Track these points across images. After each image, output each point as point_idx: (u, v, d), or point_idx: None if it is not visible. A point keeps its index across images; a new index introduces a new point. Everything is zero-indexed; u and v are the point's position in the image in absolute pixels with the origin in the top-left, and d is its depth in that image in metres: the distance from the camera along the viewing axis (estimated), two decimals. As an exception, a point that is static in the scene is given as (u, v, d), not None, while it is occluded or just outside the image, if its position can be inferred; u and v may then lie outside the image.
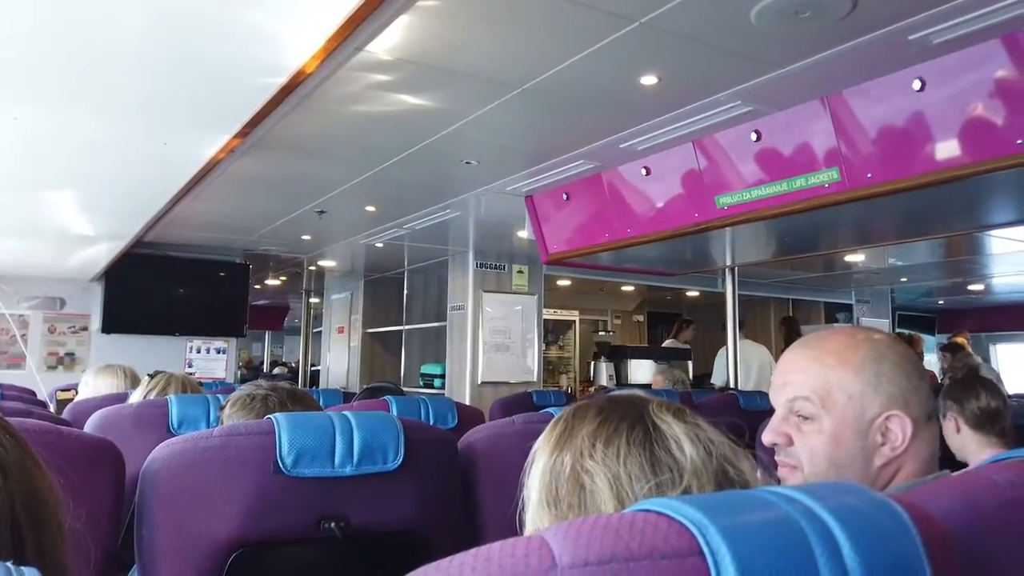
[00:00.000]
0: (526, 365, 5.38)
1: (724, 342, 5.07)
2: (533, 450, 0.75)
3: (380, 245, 5.10)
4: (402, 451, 1.15)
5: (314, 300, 7.64)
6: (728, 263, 4.53)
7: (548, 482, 0.70)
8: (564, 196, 3.70)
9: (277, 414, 1.10)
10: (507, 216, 4.19)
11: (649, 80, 2.33)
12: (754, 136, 2.78)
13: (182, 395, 1.71)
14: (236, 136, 2.32)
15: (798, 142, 2.68)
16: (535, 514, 0.71)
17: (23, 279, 5.41)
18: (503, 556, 0.42)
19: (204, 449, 1.03)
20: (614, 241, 3.60)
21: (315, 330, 7.83)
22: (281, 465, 1.05)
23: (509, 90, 2.38)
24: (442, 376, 5.50)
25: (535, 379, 5.33)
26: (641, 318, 8.74)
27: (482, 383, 5.06)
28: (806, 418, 0.96)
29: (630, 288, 7.67)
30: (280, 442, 1.06)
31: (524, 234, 4.57)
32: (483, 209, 4.11)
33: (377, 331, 6.55)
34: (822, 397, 0.95)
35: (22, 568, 0.29)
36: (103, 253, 4.65)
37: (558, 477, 0.70)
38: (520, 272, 5.47)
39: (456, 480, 1.28)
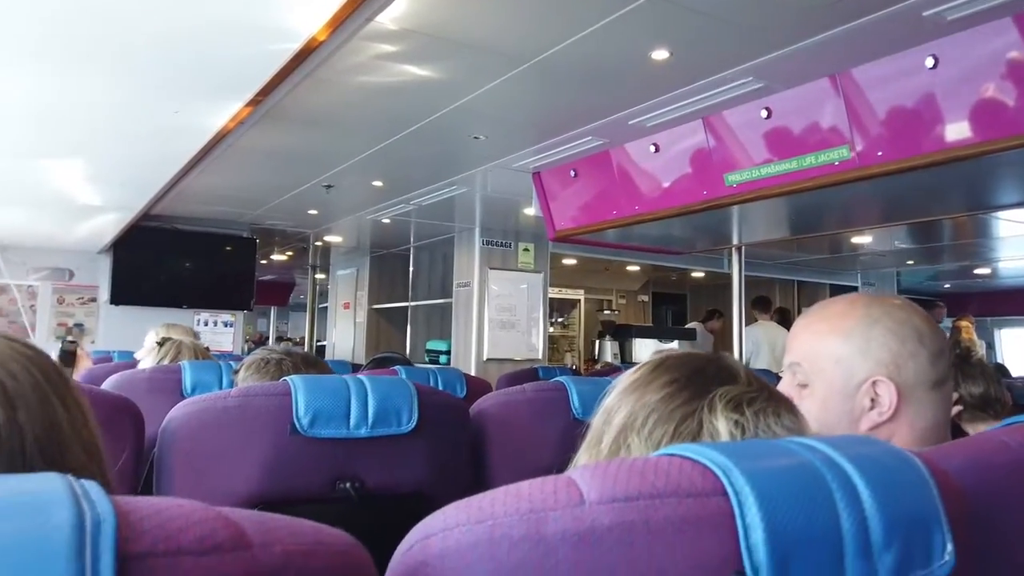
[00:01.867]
0: (531, 343, 5.41)
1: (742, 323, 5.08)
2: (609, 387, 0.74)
3: (387, 221, 5.10)
4: (415, 414, 1.17)
5: (320, 276, 7.66)
6: (735, 242, 4.52)
7: (599, 424, 0.70)
8: (572, 173, 3.70)
9: (293, 376, 1.12)
10: (514, 193, 4.18)
11: (660, 55, 2.31)
12: (764, 113, 2.77)
13: (195, 361, 1.72)
14: (248, 104, 2.32)
15: (809, 120, 2.67)
16: (580, 454, 0.71)
17: (31, 250, 5.43)
18: (532, 492, 0.44)
19: (222, 409, 1.04)
20: (621, 218, 3.60)
21: (321, 306, 7.86)
22: (298, 426, 1.07)
23: (518, 64, 2.37)
24: (448, 352, 5.52)
25: (540, 356, 5.36)
26: (646, 298, 8.76)
27: (487, 360, 5.08)
28: (803, 385, 0.98)
29: (635, 268, 7.67)
30: (297, 403, 1.08)
31: (531, 211, 4.57)
32: (490, 186, 4.10)
33: (383, 307, 6.57)
34: (812, 363, 0.97)
35: (83, 481, 0.30)
36: (111, 224, 4.66)
37: (608, 424, 0.70)
38: (526, 250, 5.47)
39: (467, 445, 1.30)
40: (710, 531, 0.43)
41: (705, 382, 0.68)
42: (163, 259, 5.37)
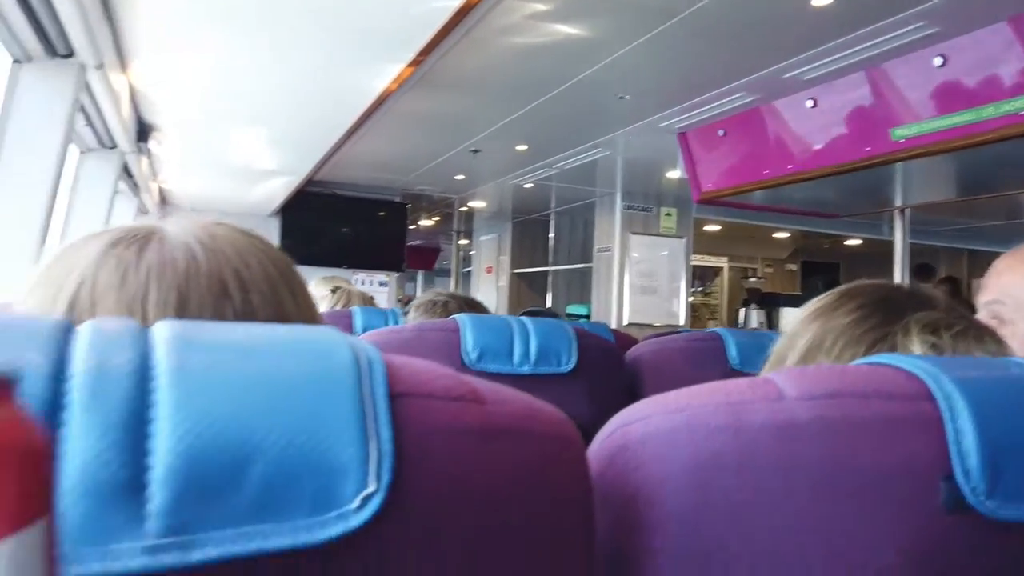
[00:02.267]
0: (672, 309, 5.33)
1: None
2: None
3: (529, 186, 5.16)
4: (574, 355, 1.20)
5: (463, 242, 7.90)
6: (899, 203, 4.22)
7: (780, 348, 0.69)
8: (720, 132, 3.58)
9: (461, 314, 1.18)
10: (657, 155, 4.11)
11: (822, 1, 2.19)
12: (939, 61, 2.55)
13: (364, 307, 1.85)
14: (409, 65, 2.43)
15: (988, 67, 2.44)
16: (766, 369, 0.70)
17: (213, 213, 5.97)
18: (729, 387, 0.45)
19: (402, 340, 1.12)
20: (773, 179, 3.45)
21: (464, 270, 8.12)
22: (466, 360, 1.13)
23: (668, 17, 2.32)
24: (587, 317, 5.56)
25: (681, 323, 5.27)
26: (794, 267, 8.36)
27: (628, 324, 5.06)
28: (1002, 321, 0.95)
29: (783, 235, 7.32)
30: (465, 339, 1.14)
31: (674, 174, 4.48)
32: (633, 148, 4.05)
33: (524, 272, 6.69)
34: (1016, 300, 0.95)
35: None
36: (280, 189, 5.04)
37: (791, 348, 0.68)
38: (668, 215, 5.37)
39: (623, 389, 1.32)
40: (915, 434, 0.42)
41: (898, 308, 0.65)
42: (325, 222, 5.75)
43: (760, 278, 7.89)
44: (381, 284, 5.97)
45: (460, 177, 5.15)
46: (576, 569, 0.39)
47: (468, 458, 0.34)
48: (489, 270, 7.14)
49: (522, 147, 4.18)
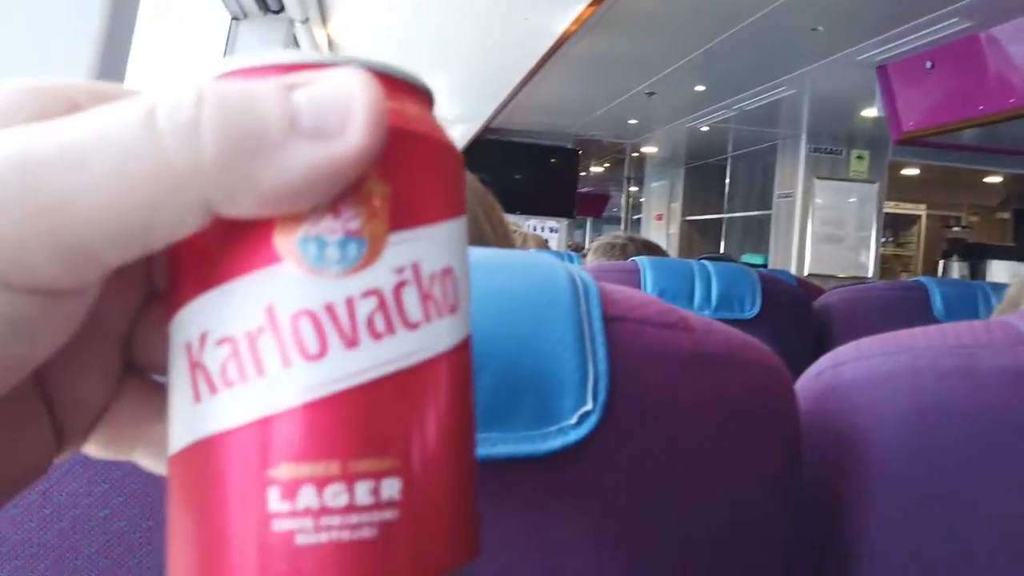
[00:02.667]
0: (859, 260, 4.95)
1: None
2: None
3: (705, 129, 4.96)
4: (758, 301, 1.16)
5: (633, 188, 7.77)
6: None
7: (1013, 293, 0.64)
8: (927, 64, 3.22)
9: (640, 256, 1.17)
10: (851, 92, 3.77)
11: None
12: None
13: (537, 249, 1.90)
14: (591, 4, 2.39)
15: None
16: None
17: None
18: (959, 330, 0.41)
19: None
20: (989, 115, 3.06)
21: (634, 218, 8.01)
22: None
23: (876, -66, 2.09)
24: (764, 267, 5.31)
25: (870, 275, 4.89)
26: (1006, 215, 7.44)
27: (808, 275, 4.78)
28: None
29: (995, 179, 6.52)
30: (645, 281, 1.13)
31: (870, 113, 4.10)
32: (822, 85, 3.75)
33: (696, 219, 6.49)
34: None
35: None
36: (459, 137, 5.22)
37: None
38: (859, 157, 4.95)
39: (810, 338, 1.26)
40: None
41: None
42: (499, 169, 5.88)
43: (964, 227, 7.11)
44: (552, 230, 6.04)
45: (633, 121, 5.04)
46: (779, 503, 0.38)
47: (678, 384, 0.34)
48: (659, 217, 6.98)
49: (700, 88, 4.01)
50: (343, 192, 0.17)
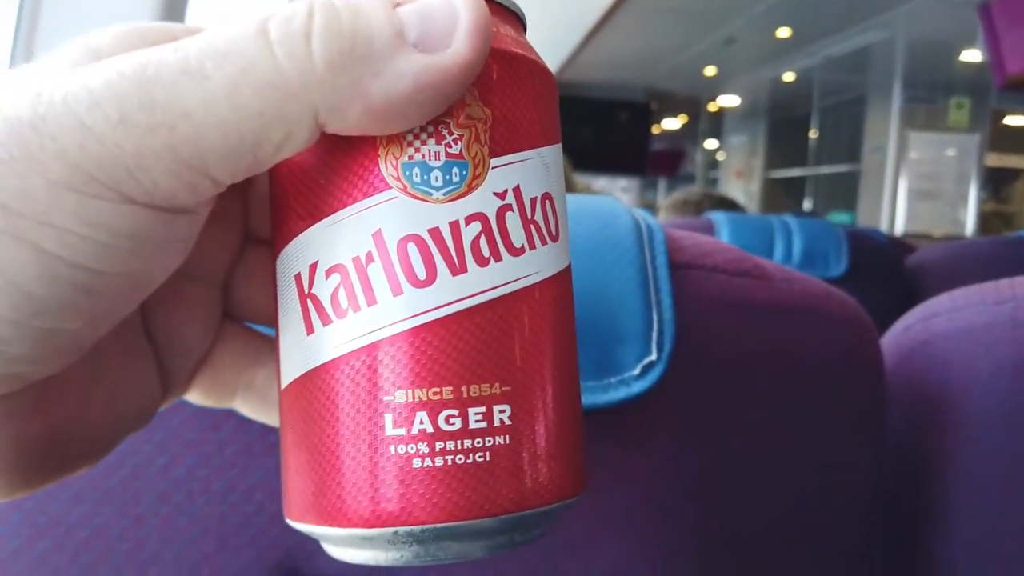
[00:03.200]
0: (956, 217, 4.67)
1: None
2: None
3: (788, 78, 4.74)
4: (845, 259, 1.10)
5: (710, 145, 7.53)
6: None
7: None
8: (1039, 0, 2.97)
9: (715, 212, 1.12)
10: (949, 33, 3.51)
11: None
12: None
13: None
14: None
15: None
16: None
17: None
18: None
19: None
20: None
21: (710, 176, 7.78)
22: (722, 259, 1.09)
23: None
24: (852, 226, 5.08)
25: (967, 233, 4.61)
26: (1125, 167, 6.86)
27: (901, 235, 4.55)
28: None
29: (1115, 127, 6.00)
30: (720, 238, 1.09)
31: (971, 57, 3.82)
32: (918, 26, 3.50)
33: (778, 176, 6.24)
34: None
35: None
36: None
37: None
38: (959, 106, 4.63)
39: (901, 298, 1.19)
40: None
41: None
42: (566, 126, 5.62)
43: (1076, 180, 6.60)
44: (622, 190, 5.92)
45: (710, 72, 4.86)
46: (860, 462, 0.36)
47: (752, 335, 0.32)
48: (739, 175, 6.75)
49: (784, 32, 3.81)
50: (445, 114, 0.17)
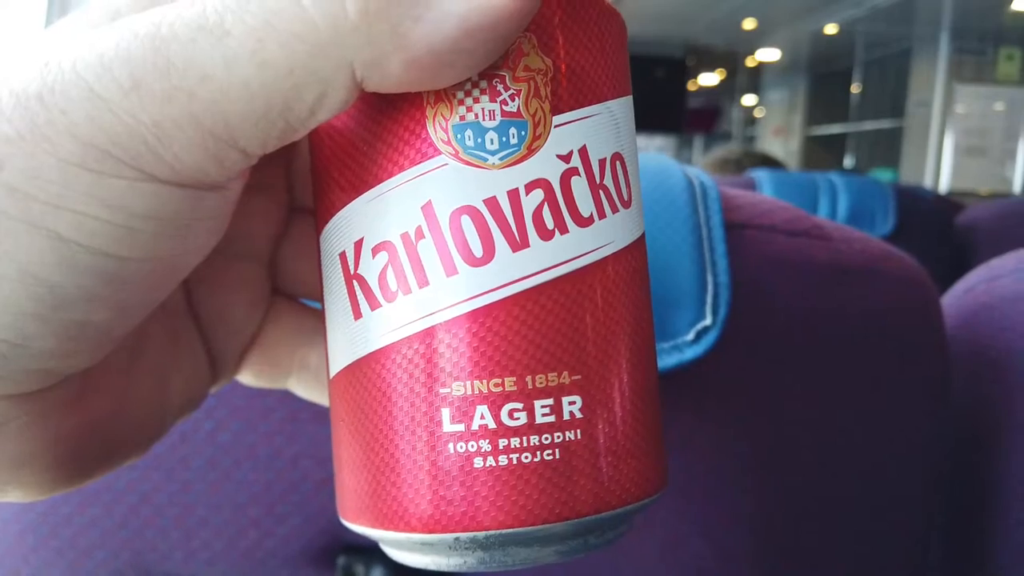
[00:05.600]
0: (1004, 174, 4.51)
1: None
2: None
3: (831, 31, 4.57)
4: (891, 218, 1.07)
5: (748, 102, 7.35)
6: None
7: None
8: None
9: (758, 170, 1.09)
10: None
11: None
12: None
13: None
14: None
15: None
16: None
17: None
18: None
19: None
20: None
21: (748, 135, 7.60)
22: (764, 218, 1.06)
23: None
24: (897, 183, 4.94)
25: (1016, 191, 4.46)
26: None
27: (946, 193, 4.42)
28: None
29: None
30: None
31: (1023, 5, 3.65)
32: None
33: (818, 133, 6.08)
34: None
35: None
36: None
37: None
38: (1009, 58, 4.44)
39: (949, 258, 1.15)
40: None
41: None
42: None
43: None
44: (657, 149, 5.83)
45: (749, 25, 4.71)
46: (924, 432, 0.34)
47: (811, 296, 0.31)
48: (778, 132, 6.59)
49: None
50: (499, 65, 0.15)
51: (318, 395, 0.22)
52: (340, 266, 0.16)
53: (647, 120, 5.73)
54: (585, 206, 0.16)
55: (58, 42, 0.14)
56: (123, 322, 0.15)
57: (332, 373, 0.17)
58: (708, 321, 0.28)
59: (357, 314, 0.16)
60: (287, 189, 0.21)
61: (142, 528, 0.28)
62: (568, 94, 0.16)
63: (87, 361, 0.16)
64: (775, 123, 6.64)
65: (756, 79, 6.77)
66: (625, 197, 0.17)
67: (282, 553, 0.29)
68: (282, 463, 0.28)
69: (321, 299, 0.18)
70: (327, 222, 0.17)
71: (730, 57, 5.82)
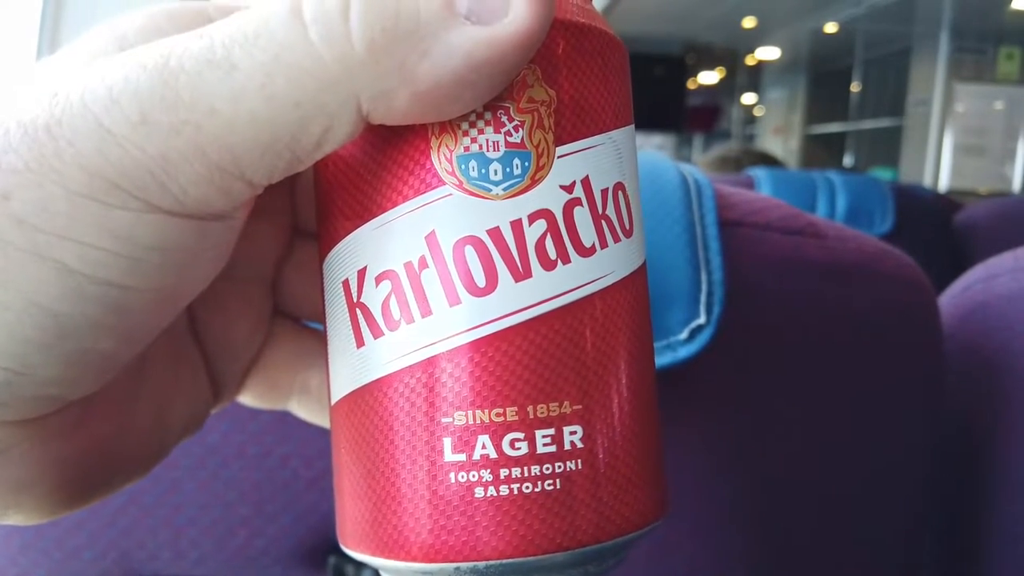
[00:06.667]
0: (1003, 173, 4.51)
1: None
2: None
3: (831, 29, 4.58)
4: (890, 216, 1.06)
5: (747, 101, 7.35)
6: None
7: None
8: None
9: (756, 169, 1.09)
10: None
11: None
12: None
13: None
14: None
15: None
16: None
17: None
18: None
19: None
20: None
21: (747, 133, 7.60)
22: (762, 217, 1.06)
23: None
24: (896, 182, 4.94)
25: (1015, 190, 4.46)
26: None
27: (945, 192, 4.42)
28: None
29: None
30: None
31: (1023, 4, 3.66)
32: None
33: (818, 132, 6.08)
34: None
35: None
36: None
37: None
38: (1009, 57, 4.43)
39: (948, 258, 1.15)
40: None
41: None
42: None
43: None
44: (656, 148, 5.82)
45: (749, 23, 4.71)
46: (917, 432, 0.34)
47: (805, 296, 0.30)
48: (778, 131, 6.58)
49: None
50: (503, 97, 0.15)
51: (319, 418, 0.22)
52: (343, 294, 0.17)
53: (646, 119, 5.73)
54: (587, 236, 0.16)
55: (66, 72, 0.15)
56: (127, 349, 0.16)
57: (334, 400, 0.17)
58: (702, 319, 0.28)
59: (360, 342, 0.16)
60: (290, 212, 0.21)
61: (130, 528, 0.28)
62: (571, 125, 0.16)
63: (90, 388, 0.16)
64: (775, 122, 6.64)
65: (756, 78, 6.77)
66: (627, 226, 0.17)
67: (272, 552, 0.28)
68: (272, 462, 0.27)
69: (323, 324, 0.18)
70: (330, 250, 0.17)
71: (730, 55, 5.82)
